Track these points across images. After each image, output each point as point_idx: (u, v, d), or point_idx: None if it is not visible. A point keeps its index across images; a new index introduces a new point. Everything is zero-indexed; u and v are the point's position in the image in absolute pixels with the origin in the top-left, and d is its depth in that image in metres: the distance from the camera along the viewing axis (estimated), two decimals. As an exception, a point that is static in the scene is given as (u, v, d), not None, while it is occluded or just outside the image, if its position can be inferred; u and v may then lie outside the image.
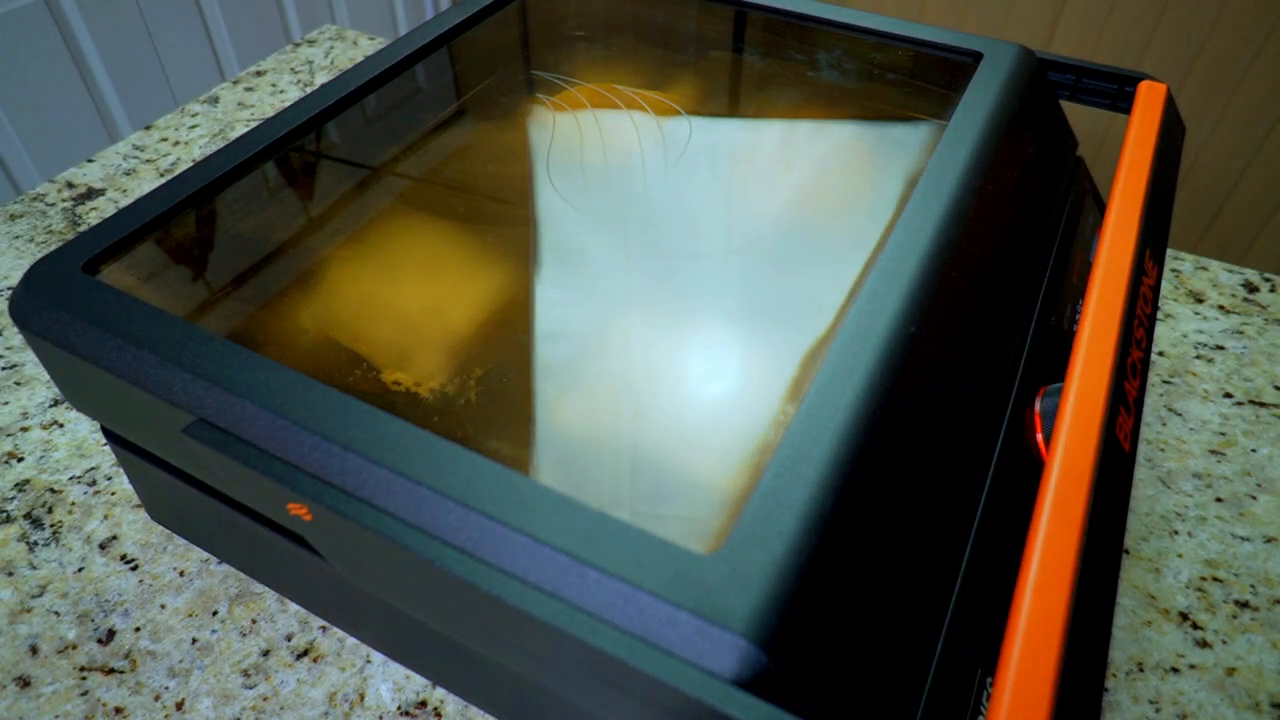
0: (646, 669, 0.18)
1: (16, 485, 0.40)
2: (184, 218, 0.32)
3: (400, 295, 0.30)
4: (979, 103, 0.36)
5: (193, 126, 0.64)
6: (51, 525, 0.38)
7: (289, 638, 0.34)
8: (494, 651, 0.24)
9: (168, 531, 0.38)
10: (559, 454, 0.24)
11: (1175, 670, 0.33)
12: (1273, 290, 0.50)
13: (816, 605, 0.20)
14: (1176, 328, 0.47)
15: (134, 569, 0.37)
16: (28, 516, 0.39)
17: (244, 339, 0.28)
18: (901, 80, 0.40)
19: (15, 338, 0.47)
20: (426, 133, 0.37)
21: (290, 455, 0.23)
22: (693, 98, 0.39)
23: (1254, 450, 0.41)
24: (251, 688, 0.33)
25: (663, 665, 0.18)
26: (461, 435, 0.24)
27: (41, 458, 0.41)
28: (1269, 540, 0.38)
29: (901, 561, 0.24)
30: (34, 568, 0.37)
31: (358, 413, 0.24)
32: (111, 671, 0.33)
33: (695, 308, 0.29)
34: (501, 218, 0.33)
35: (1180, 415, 0.43)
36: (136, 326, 0.26)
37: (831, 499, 0.21)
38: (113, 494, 0.39)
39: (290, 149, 0.35)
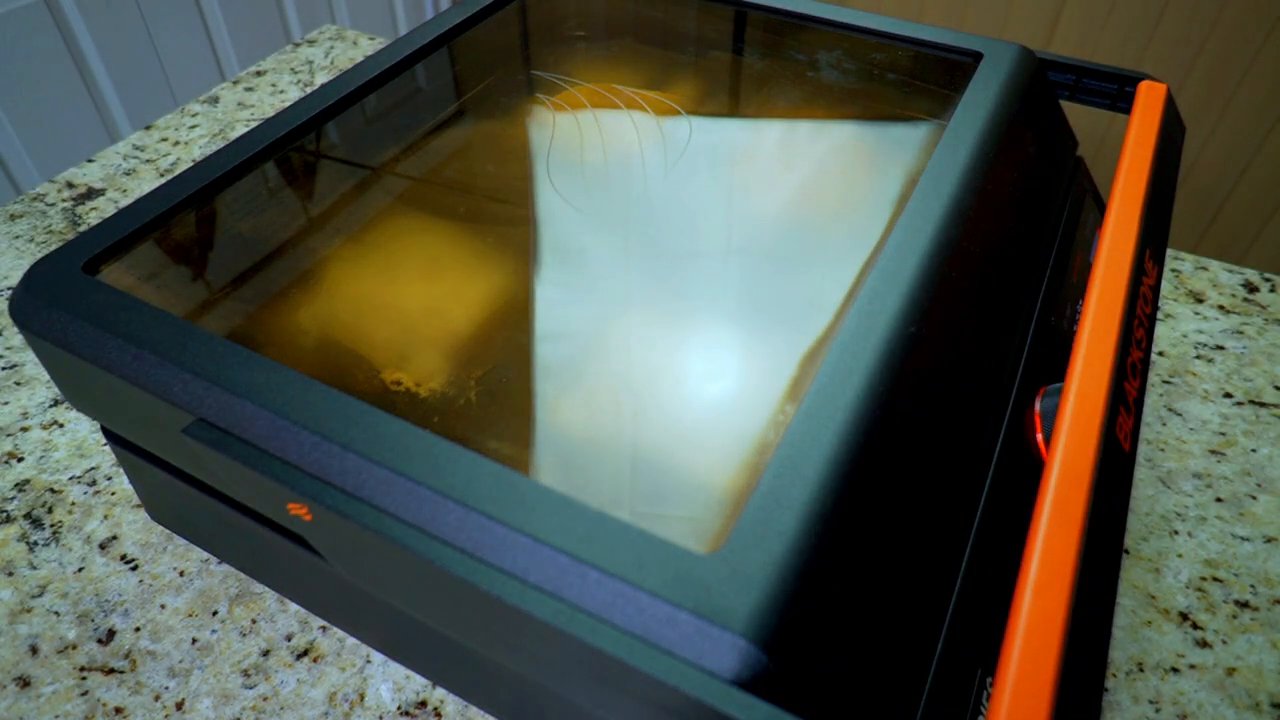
0: (646, 669, 0.18)
1: (16, 485, 0.40)
2: (184, 218, 0.32)
3: (400, 295, 0.30)
4: (979, 103, 0.36)
5: (193, 126, 0.64)
6: (51, 525, 0.38)
7: (289, 638, 0.34)
8: (494, 651, 0.24)
9: (168, 531, 0.38)
10: (559, 454, 0.24)
11: (1175, 670, 0.33)
12: (1273, 290, 0.50)
13: (816, 605, 0.20)
14: (1176, 328, 0.47)
15: (134, 569, 0.37)
16: (28, 516, 0.39)
17: (244, 339, 0.28)
18: (901, 80, 0.40)
19: (15, 338, 0.47)
20: (426, 133, 0.37)
21: (290, 455, 0.23)
22: (693, 98, 0.39)
23: (1254, 450, 0.41)
24: (251, 688, 0.33)
25: (663, 665, 0.18)
26: (461, 435, 0.24)
27: (41, 458, 0.41)
28: (1269, 540, 0.38)
29: (901, 561, 0.24)
30: (34, 568, 0.37)
31: (358, 413, 0.24)
32: (111, 671, 0.33)
33: (695, 308, 0.29)
34: (501, 218, 0.33)
35: (1180, 415, 0.43)
36: (136, 326, 0.26)
37: (831, 499, 0.21)
38: (113, 494, 0.39)
39: (290, 149, 0.35)
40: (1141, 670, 0.33)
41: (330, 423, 0.23)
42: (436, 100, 0.39)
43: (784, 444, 0.22)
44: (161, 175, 0.60)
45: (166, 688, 0.33)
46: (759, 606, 0.19)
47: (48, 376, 0.45)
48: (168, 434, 0.27)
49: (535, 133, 0.37)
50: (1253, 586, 0.36)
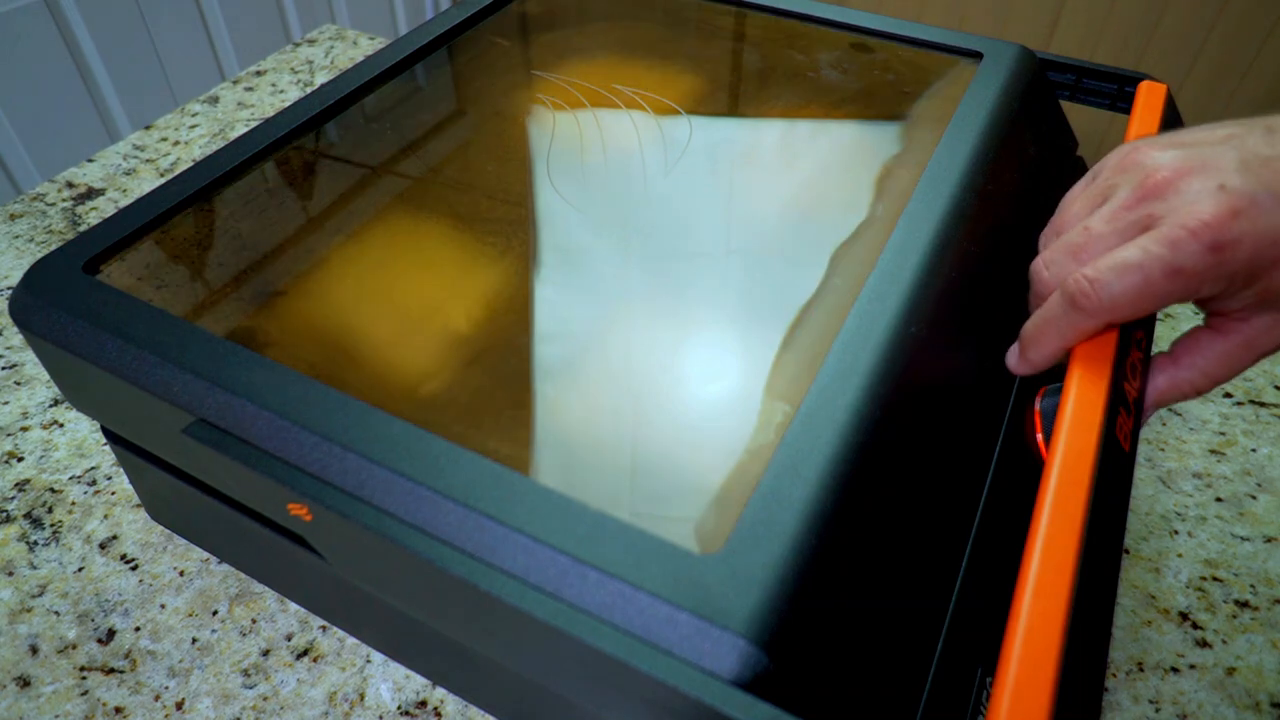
0: (647, 669, 0.18)
1: (16, 485, 0.40)
2: (184, 218, 0.32)
3: (400, 296, 0.30)
4: (979, 103, 0.36)
5: (193, 126, 0.64)
6: (51, 525, 0.38)
7: (289, 637, 0.34)
8: (494, 652, 0.24)
9: (168, 531, 0.38)
10: (559, 454, 0.24)
11: (1175, 670, 0.33)
12: (1273, 290, 0.50)
13: (816, 605, 0.20)
14: (1177, 328, 0.47)
15: (134, 569, 0.37)
16: (28, 516, 0.39)
17: (244, 339, 0.28)
18: (901, 80, 0.40)
19: (15, 338, 0.47)
20: (426, 133, 0.37)
21: (290, 455, 0.23)
22: (693, 97, 0.39)
23: (1254, 450, 0.41)
24: (251, 687, 0.33)
25: (663, 665, 0.18)
26: (461, 435, 0.24)
27: (41, 457, 0.41)
28: (1269, 540, 0.38)
29: (901, 561, 0.24)
30: (34, 567, 0.37)
31: (358, 413, 0.24)
32: (111, 671, 0.33)
33: (695, 308, 0.29)
34: (502, 218, 0.33)
35: (1180, 415, 0.43)
36: (136, 326, 0.26)
37: (831, 499, 0.21)
38: (113, 494, 0.39)
39: (290, 149, 0.35)
40: (1141, 670, 0.33)
41: (330, 423, 0.23)
42: (436, 100, 0.39)
43: (783, 444, 0.22)
44: (161, 175, 0.60)
45: (166, 687, 0.33)
46: (759, 607, 0.19)
47: (48, 376, 0.45)
48: (168, 434, 0.27)
49: (535, 133, 0.37)
50: (1253, 586, 0.36)
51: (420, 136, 0.37)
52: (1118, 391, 0.24)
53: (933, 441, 0.26)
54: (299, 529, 0.25)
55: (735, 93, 0.40)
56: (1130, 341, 0.26)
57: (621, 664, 0.19)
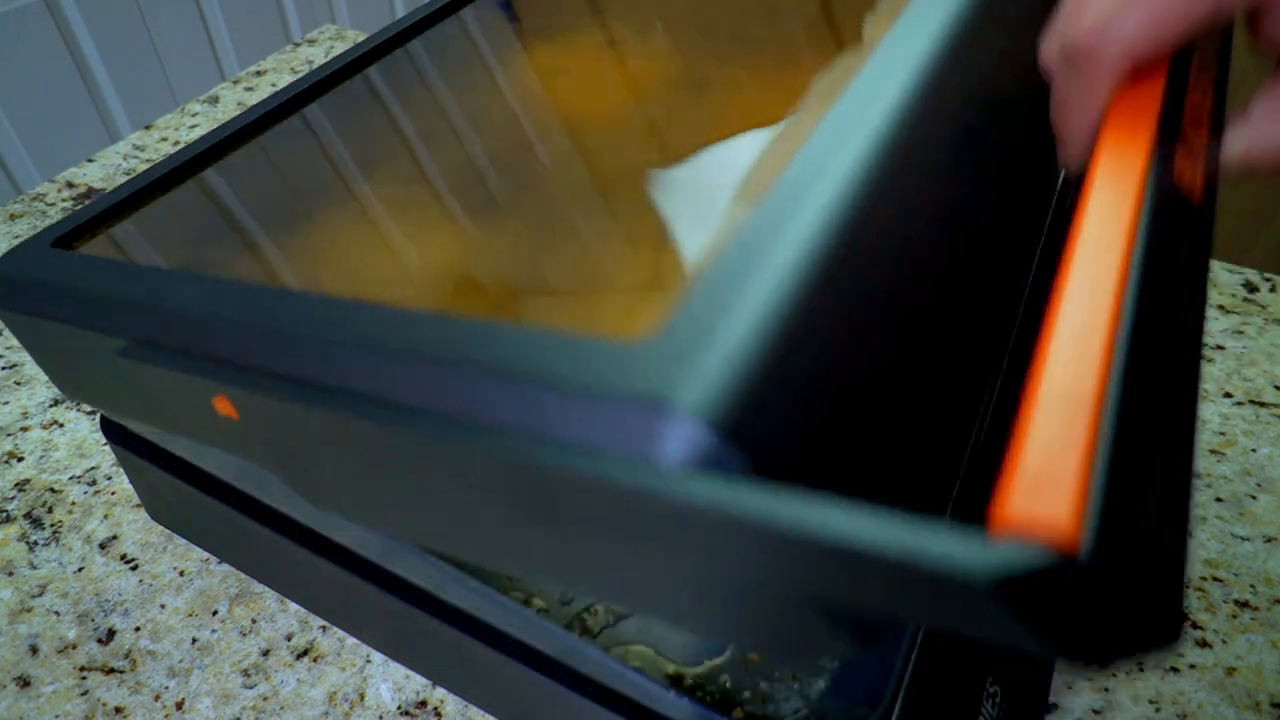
0: (588, 471, 0.16)
1: (16, 485, 0.40)
2: (162, 198, 0.31)
3: (361, 256, 0.30)
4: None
5: (193, 126, 0.64)
6: (51, 525, 0.38)
7: (289, 637, 0.34)
8: (438, 539, 0.21)
9: (168, 531, 0.38)
10: (472, 288, 0.23)
11: (1175, 670, 0.33)
12: (1273, 290, 0.50)
13: (773, 379, 0.16)
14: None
15: (134, 569, 0.37)
16: (28, 516, 0.39)
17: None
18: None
19: (15, 338, 0.47)
20: (409, 108, 0.37)
21: (212, 349, 0.22)
22: (675, 53, 0.39)
23: (1254, 450, 0.41)
24: (251, 687, 0.33)
25: (603, 463, 0.16)
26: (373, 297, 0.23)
27: (41, 457, 0.41)
28: (1269, 540, 0.38)
29: (885, 340, 0.19)
30: (34, 567, 0.37)
31: (271, 296, 0.22)
32: (111, 671, 0.33)
33: (665, 144, 0.27)
34: (466, 175, 0.33)
35: (1180, 415, 0.43)
36: (96, 281, 0.25)
37: (801, 285, 0.17)
38: (113, 494, 0.39)
39: (270, 131, 0.35)
40: (1141, 670, 0.33)
41: (248, 311, 0.22)
42: (424, 77, 0.39)
43: (744, 230, 0.18)
44: (161, 175, 0.60)
45: (166, 687, 0.33)
46: (708, 386, 0.16)
47: (47, 377, 0.45)
48: (114, 372, 0.26)
49: (513, 101, 0.37)
50: (1253, 586, 0.36)
51: (403, 112, 0.36)
52: (1171, 131, 0.17)
53: (932, 230, 0.21)
54: (229, 432, 0.23)
55: (719, 32, 0.40)
56: (1184, 80, 0.19)
57: (557, 469, 0.16)
